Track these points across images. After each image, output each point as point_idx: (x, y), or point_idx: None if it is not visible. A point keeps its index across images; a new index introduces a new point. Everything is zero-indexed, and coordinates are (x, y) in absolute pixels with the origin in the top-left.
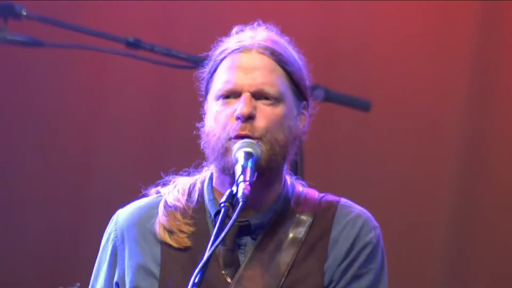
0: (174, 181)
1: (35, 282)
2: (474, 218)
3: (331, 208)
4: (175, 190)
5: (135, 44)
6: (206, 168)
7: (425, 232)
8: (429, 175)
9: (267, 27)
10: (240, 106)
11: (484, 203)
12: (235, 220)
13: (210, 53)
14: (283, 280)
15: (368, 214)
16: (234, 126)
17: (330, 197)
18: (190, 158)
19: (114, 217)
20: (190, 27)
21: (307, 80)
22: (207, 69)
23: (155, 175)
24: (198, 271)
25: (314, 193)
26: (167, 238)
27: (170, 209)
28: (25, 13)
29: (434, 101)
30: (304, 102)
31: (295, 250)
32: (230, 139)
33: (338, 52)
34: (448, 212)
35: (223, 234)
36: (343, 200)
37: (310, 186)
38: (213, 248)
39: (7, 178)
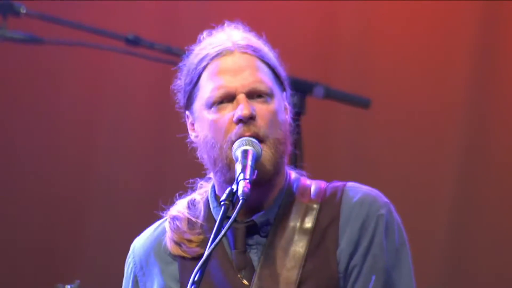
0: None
1: (34, 280)
2: (475, 217)
3: (337, 192)
4: (176, 206)
5: (134, 42)
6: (200, 183)
7: (425, 229)
8: (429, 172)
9: (235, 27)
10: (240, 108)
11: (485, 203)
12: (235, 218)
13: (181, 64)
14: (301, 271)
15: (377, 192)
16: (236, 130)
17: (336, 183)
18: (191, 157)
19: (131, 246)
20: (190, 24)
21: (284, 71)
22: (185, 79)
23: (155, 175)
24: (197, 270)
25: (321, 183)
26: (179, 252)
27: (174, 222)
28: (24, 11)
29: (433, 99)
30: (285, 93)
31: (308, 240)
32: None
33: (338, 50)
34: (448, 210)
35: (223, 232)
36: (350, 184)
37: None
38: (213, 245)
39: (6, 178)
